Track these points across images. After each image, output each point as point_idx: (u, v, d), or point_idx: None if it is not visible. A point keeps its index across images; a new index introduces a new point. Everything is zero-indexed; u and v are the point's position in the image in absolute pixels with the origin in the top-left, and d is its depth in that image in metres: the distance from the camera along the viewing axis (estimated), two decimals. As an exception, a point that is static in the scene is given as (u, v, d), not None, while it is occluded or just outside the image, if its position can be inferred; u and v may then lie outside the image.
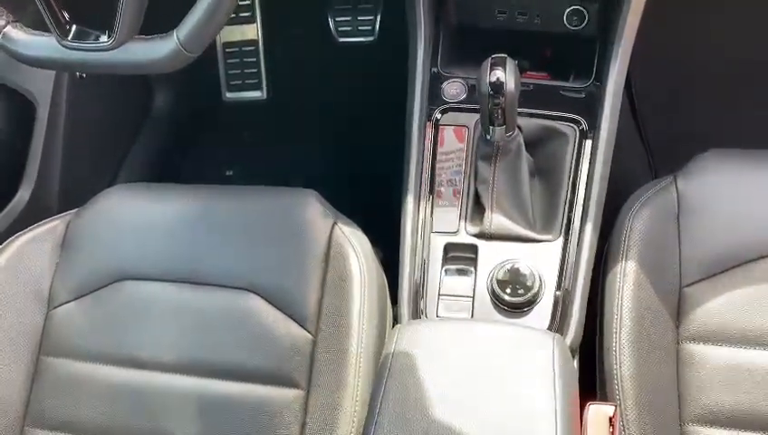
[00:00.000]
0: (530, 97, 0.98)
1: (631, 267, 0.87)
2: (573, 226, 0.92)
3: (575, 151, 0.96)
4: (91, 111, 1.38)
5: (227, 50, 1.65)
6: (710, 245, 0.87)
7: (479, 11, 1.07)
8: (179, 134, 1.66)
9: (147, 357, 0.90)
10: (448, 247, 0.94)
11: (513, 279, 0.89)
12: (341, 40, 1.59)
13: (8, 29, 0.80)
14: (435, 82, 1.03)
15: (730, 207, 0.89)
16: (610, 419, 0.72)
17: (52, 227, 1.00)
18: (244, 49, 1.65)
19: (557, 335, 0.82)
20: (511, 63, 0.86)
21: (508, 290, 0.89)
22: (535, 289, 0.89)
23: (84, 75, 1.30)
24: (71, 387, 0.91)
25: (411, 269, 0.93)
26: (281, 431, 0.84)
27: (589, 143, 0.96)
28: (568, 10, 1.03)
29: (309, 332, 0.87)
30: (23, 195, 1.26)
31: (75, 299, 0.94)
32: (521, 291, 0.89)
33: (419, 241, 0.95)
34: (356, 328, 0.86)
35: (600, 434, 0.71)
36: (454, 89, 1.03)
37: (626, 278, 0.86)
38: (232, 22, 1.60)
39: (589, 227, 0.91)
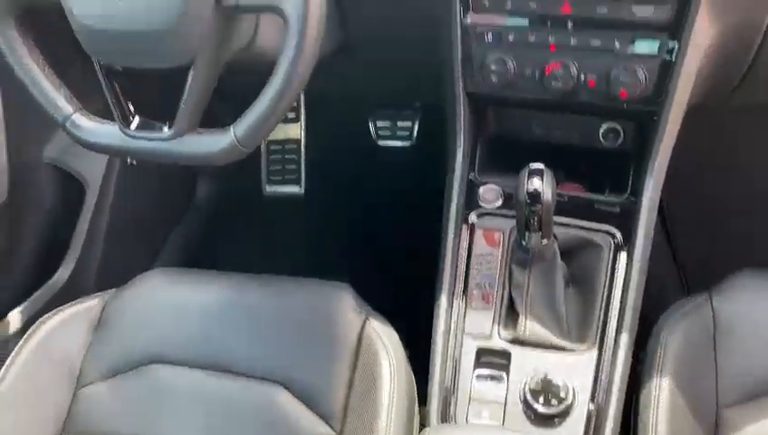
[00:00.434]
0: (565, 208, 0.99)
1: (666, 385, 0.85)
2: (608, 336, 0.91)
3: (610, 261, 0.96)
4: (137, 197, 1.43)
5: (271, 147, 1.73)
6: (748, 367, 0.85)
7: (517, 125, 1.10)
8: (219, 222, 1.71)
9: None
10: (480, 352, 0.93)
11: (546, 389, 0.87)
12: (380, 143, 1.66)
13: (76, 116, 0.85)
14: (471, 188, 1.06)
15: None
16: None
17: (89, 306, 1.02)
18: (286, 147, 1.73)
19: None
20: (548, 174, 0.88)
21: (540, 400, 0.87)
22: (568, 401, 0.87)
23: (135, 162, 1.36)
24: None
25: (442, 371, 0.92)
26: None
27: (624, 255, 0.96)
28: (603, 128, 1.06)
29: (333, 429, 0.86)
30: (62, 273, 1.28)
31: (104, 380, 0.94)
32: (554, 402, 0.87)
33: (451, 342, 0.94)
34: (383, 429, 0.84)
35: None
36: (490, 194, 1.05)
37: (660, 396, 0.84)
38: (277, 121, 1.69)
39: (624, 338, 0.90)
